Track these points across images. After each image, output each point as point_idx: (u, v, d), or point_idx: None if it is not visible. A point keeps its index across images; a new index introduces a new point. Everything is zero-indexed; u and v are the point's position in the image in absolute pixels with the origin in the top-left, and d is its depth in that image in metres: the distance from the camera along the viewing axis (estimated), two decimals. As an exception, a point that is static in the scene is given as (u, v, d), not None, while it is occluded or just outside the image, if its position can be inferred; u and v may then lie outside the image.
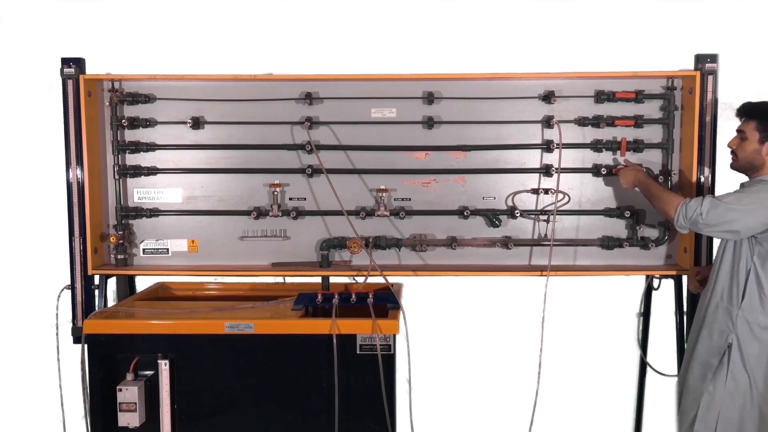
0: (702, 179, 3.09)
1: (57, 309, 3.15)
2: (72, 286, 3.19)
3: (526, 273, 3.19)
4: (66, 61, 3.11)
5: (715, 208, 2.58)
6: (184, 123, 3.23)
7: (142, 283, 3.54)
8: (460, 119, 3.22)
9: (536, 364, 3.03)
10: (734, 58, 3.18)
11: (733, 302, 2.65)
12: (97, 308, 3.17)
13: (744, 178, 2.76)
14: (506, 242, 3.24)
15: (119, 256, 3.24)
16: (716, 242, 2.91)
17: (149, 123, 3.23)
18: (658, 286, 3.31)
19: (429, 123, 3.21)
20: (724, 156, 2.94)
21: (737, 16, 3.46)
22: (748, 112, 2.70)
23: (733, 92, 3.08)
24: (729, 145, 2.76)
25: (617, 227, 3.26)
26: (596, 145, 3.20)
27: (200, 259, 3.31)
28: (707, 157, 3.08)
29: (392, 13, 3.54)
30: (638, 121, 3.16)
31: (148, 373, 2.87)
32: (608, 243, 3.22)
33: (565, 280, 3.33)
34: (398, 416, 2.92)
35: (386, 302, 3.01)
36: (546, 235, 3.25)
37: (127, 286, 3.49)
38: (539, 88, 3.20)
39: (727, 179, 2.91)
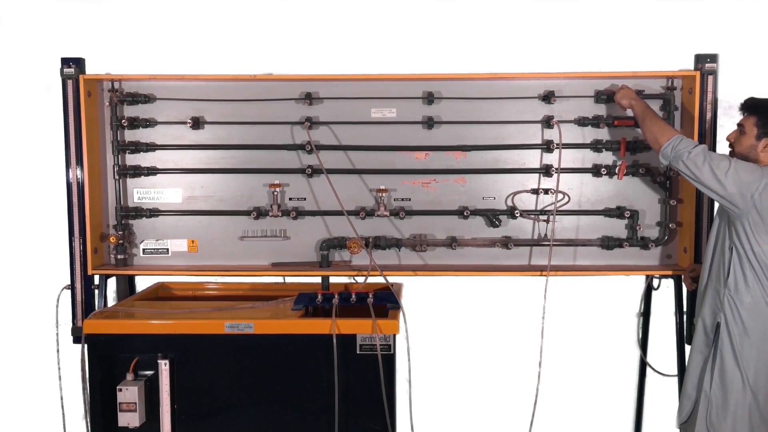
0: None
1: (57, 309, 3.15)
2: (72, 286, 3.18)
3: (526, 273, 3.19)
4: (66, 61, 3.11)
5: (701, 157, 2.62)
6: (184, 123, 3.22)
7: (142, 283, 3.54)
8: (460, 119, 3.22)
9: (536, 363, 3.03)
10: (734, 58, 3.17)
11: (721, 281, 2.69)
12: (97, 308, 3.17)
13: None
14: (506, 242, 3.24)
15: (119, 256, 3.24)
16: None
17: (149, 123, 3.23)
18: (658, 286, 3.31)
19: (429, 123, 3.21)
20: (724, 156, 2.95)
21: (737, 16, 3.47)
22: (750, 107, 2.71)
23: (733, 92, 3.07)
24: (727, 138, 2.78)
25: (617, 227, 3.26)
26: (596, 145, 3.20)
27: (200, 259, 3.31)
28: (707, 157, 3.08)
29: (392, 13, 3.54)
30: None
31: (148, 373, 2.87)
32: (608, 243, 3.22)
33: (565, 280, 3.33)
34: (398, 416, 2.92)
35: (386, 302, 3.01)
36: (546, 235, 3.25)
37: (127, 286, 3.49)
38: (539, 88, 3.20)
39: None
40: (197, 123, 3.23)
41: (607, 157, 3.23)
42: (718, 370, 2.68)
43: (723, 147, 2.86)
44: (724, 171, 2.58)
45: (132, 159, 3.27)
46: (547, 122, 3.19)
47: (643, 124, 2.89)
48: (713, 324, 2.71)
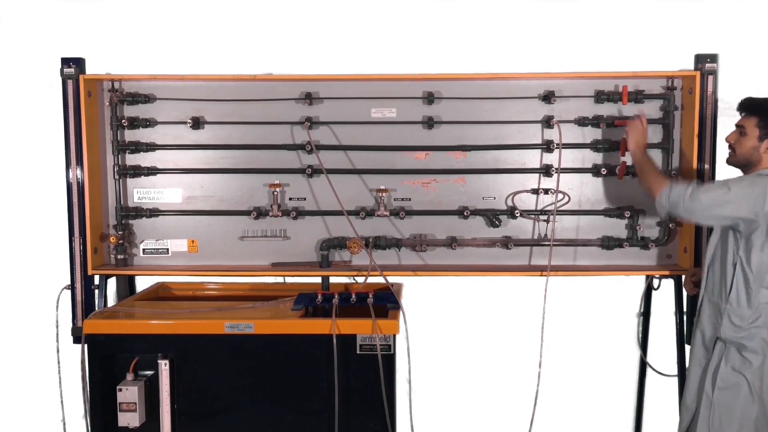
0: (702, 179, 3.09)
1: (57, 309, 3.15)
2: (72, 286, 3.18)
3: (526, 273, 3.19)
4: (66, 61, 3.11)
5: (698, 196, 2.60)
6: (184, 123, 3.23)
7: (142, 283, 3.54)
8: (460, 119, 3.22)
9: (536, 364, 3.03)
10: (734, 58, 3.17)
11: (722, 297, 2.66)
12: (97, 308, 3.17)
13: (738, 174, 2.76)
14: (506, 242, 3.24)
15: (119, 256, 3.24)
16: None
17: (149, 123, 3.23)
18: (658, 286, 3.30)
19: (429, 123, 3.21)
20: (724, 156, 2.93)
21: (737, 16, 3.46)
22: (749, 107, 2.67)
23: (733, 92, 3.07)
24: (727, 140, 2.75)
25: (617, 227, 3.26)
26: (596, 145, 3.20)
27: (200, 259, 3.31)
28: (707, 156, 3.08)
29: (392, 13, 3.54)
30: (638, 121, 3.16)
31: (148, 373, 2.87)
32: (608, 243, 3.22)
33: (565, 280, 3.33)
34: (398, 416, 2.92)
35: (386, 302, 3.01)
36: (546, 235, 3.25)
37: (127, 286, 3.49)
38: (539, 88, 3.20)
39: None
40: (197, 123, 3.23)
41: (607, 157, 3.22)
42: (721, 376, 2.64)
43: (723, 147, 2.85)
44: (725, 196, 2.55)
45: (132, 159, 3.27)
46: (547, 122, 3.19)
47: (640, 174, 2.91)
48: (713, 338, 2.69)
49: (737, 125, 2.72)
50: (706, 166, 3.08)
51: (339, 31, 3.53)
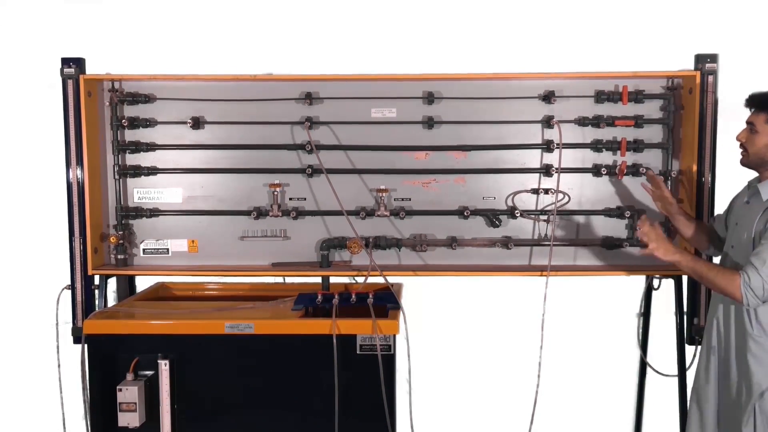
0: (702, 179, 3.09)
1: (57, 309, 3.15)
2: (72, 286, 3.18)
3: (526, 273, 3.19)
4: (66, 61, 3.11)
5: None
6: (184, 123, 3.23)
7: (142, 283, 3.54)
8: (460, 119, 3.22)
9: (536, 364, 3.03)
10: (734, 58, 3.17)
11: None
12: (97, 308, 3.17)
13: (750, 175, 2.70)
14: (506, 242, 3.24)
15: (119, 256, 3.24)
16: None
17: (149, 123, 3.23)
18: (658, 286, 3.30)
19: (429, 123, 3.21)
20: (724, 156, 2.94)
21: (737, 16, 3.46)
22: (759, 103, 2.54)
23: (733, 92, 3.07)
24: (738, 138, 2.60)
25: (617, 227, 3.26)
26: (596, 145, 3.20)
27: (200, 259, 3.31)
28: (707, 156, 3.08)
29: (392, 13, 3.54)
30: (638, 121, 3.16)
31: (148, 373, 2.86)
32: (608, 243, 3.22)
33: (565, 280, 3.33)
34: (398, 416, 2.92)
35: (386, 302, 3.01)
36: (546, 235, 3.25)
37: (127, 286, 3.49)
38: (539, 88, 3.20)
39: (727, 179, 2.91)
40: (197, 123, 3.23)
41: (607, 157, 3.22)
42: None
43: (723, 148, 2.85)
44: None
45: (132, 159, 3.27)
46: (547, 122, 3.19)
47: (700, 279, 2.59)
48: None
49: (747, 122, 2.58)
50: (706, 167, 3.08)
51: (339, 31, 3.53)
